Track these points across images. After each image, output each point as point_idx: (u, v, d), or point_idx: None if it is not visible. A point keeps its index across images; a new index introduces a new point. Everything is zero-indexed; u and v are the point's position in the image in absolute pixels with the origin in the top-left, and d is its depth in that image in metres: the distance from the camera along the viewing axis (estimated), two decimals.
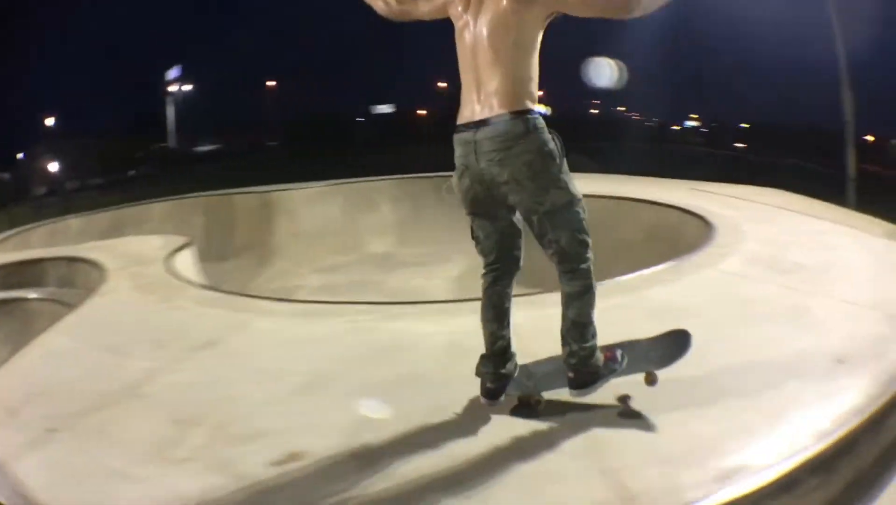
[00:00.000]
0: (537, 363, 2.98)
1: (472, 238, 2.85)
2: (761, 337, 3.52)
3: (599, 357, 2.72)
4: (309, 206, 10.52)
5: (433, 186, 10.59)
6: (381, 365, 3.52)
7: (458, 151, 2.69)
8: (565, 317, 2.70)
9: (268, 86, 46.60)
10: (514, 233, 2.80)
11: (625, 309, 4.01)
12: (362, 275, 8.98)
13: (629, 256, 5.92)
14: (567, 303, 2.69)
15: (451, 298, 6.26)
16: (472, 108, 2.65)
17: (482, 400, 2.81)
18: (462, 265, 8.73)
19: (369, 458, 2.55)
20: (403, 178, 11.37)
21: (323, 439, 2.70)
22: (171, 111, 38.44)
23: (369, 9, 2.98)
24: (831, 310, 3.94)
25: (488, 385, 2.79)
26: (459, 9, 2.71)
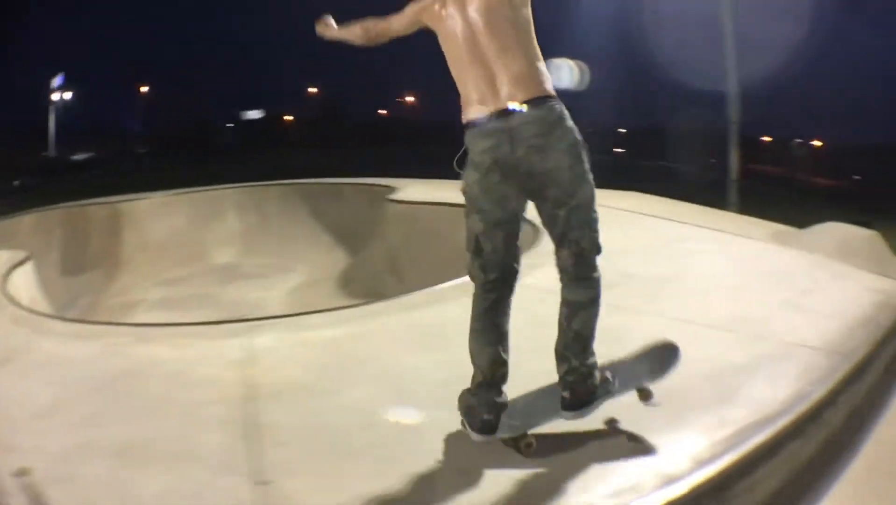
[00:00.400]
0: (518, 398, 2.64)
1: (474, 252, 2.53)
2: (541, 372, 2.68)
3: (597, 376, 2.54)
4: (156, 216, 10.13)
5: (280, 195, 10.68)
6: (102, 395, 3.27)
7: (484, 145, 2.45)
8: (567, 330, 2.52)
9: (142, 91, 45.71)
10: (517, 239, 2.57)
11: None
12: (203, 287, 8.73)
13: (459, 263, 5.83)
14: (572, 314, 2.51)
15: (288, 311, 6.11)
16: (493, 98, 2.46)
17: (474, 437, 2.49)
18: (303, 276, 8.82)
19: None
20: (251, 185, 11.15)
21: None
22: (52, 120, 38.62)
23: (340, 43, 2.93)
24: (657, 332, 3.06)
25: (485, 417, 2.46)
26: (437, 7, 2.57)
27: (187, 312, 6.84)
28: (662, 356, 2.78)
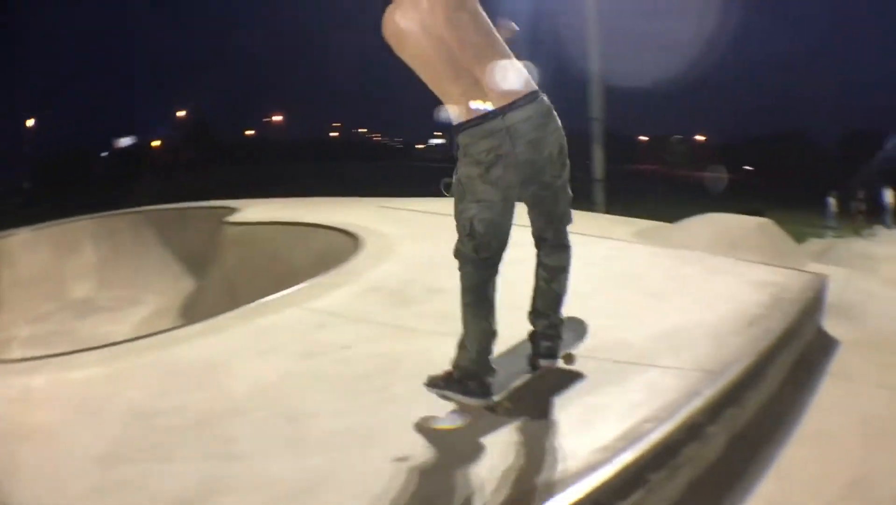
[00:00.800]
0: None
1: (469, 235, 2.61)
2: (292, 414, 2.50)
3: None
4: (26, 251, 9.61)
5: (131, 223, 10.17)
6: None
7: (487, 145, 2.53)
8: (547, 292, 2.82)
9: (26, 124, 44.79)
10: (510, 222, 2.67)
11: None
12: (63, 323, 8.32)
13: (294, 283, 5.15)
14: (552, 277, 2.81)
15: None
16: (484, 98, 2.55)
17: (479, 403, 2.61)
18: (152, 306, 8.54)
19: None
20: (105, 215, 10.73)
21: None
22: None
23: None
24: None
25: (486, 381, 2.63)
26: (399, 22, 2.57)
27: (50, 349, 6.37)
28: (579, 326, 3.09)
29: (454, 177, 2.62)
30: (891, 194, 24.45)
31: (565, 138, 2.69)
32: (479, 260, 2.62)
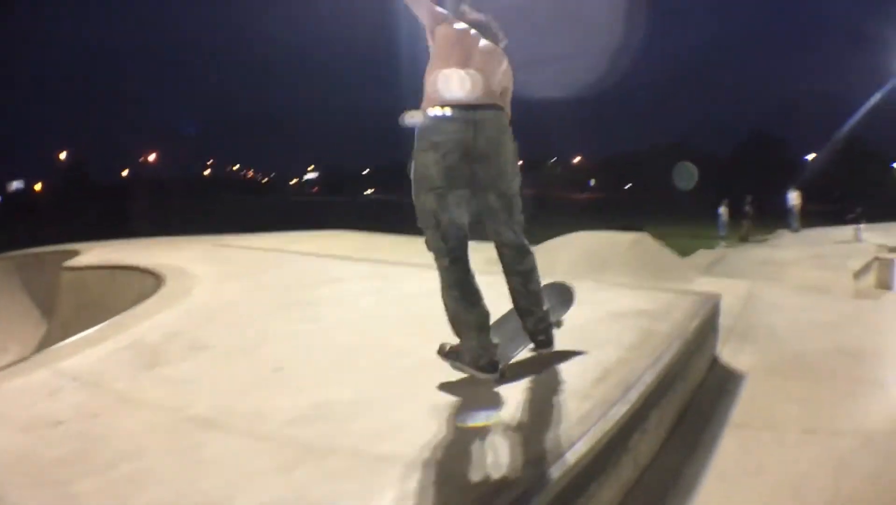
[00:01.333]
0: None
1: (434, 227, 2.77)
2: None
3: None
4: None
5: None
6: None
7: (450, 128, 2.75)
8: (526, 292, 3.01)
9: None
10: (468, 209, 2.84)
11: None
12: None
13: None
14: (526, 280, 3.00)
15: None
16: (463, 92, 2.82)
17: (487, 376, 2.73)
18: (14, 356, 7.57)
19: None
20: None
21: None
22: None
23: None
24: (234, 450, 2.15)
25: (494, 358, 2.78)
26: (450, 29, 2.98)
27: None
28: (564, 291, 3.31)
29: (410, 173, 2.79)
30: (795, 196, 23.98)
31: (517, 153, 2.93)
32: (449, 250, 2.78)
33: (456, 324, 2.80)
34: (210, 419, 2.40)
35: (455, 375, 2.73)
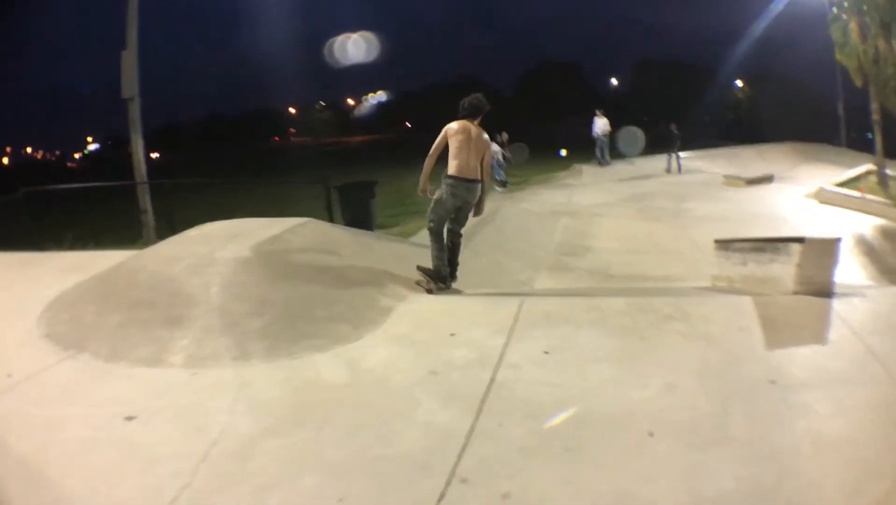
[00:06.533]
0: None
1: (445, 211, 6.14)
2: None
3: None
4: None
5: None
6: None
7: (462, 188, 6.06)
8: (455, 250, 6.29)
9: None
10: (456, 214, 6.25)
11: None
12: None
13: None
14: (457, 247, 6.31)
15: None
16: (468, 171, 6.07)
17: (445, 285, 6.13)
18: None
19: None
20: None
21: None
22: None
23: None
24: None
25: (452, 276, 6.24)
26: (458, 134, 6.17)
27: None
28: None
29: (438, 194, 6.12)
30: (603, 123, 22.05)
31: (481, 198, 6.29)
32: (438, 221, 6.14)
33: (434, 257, 6.09)
34: None
35: None
